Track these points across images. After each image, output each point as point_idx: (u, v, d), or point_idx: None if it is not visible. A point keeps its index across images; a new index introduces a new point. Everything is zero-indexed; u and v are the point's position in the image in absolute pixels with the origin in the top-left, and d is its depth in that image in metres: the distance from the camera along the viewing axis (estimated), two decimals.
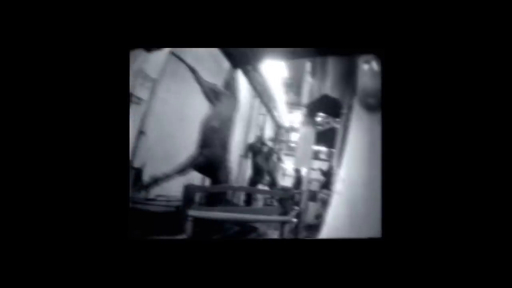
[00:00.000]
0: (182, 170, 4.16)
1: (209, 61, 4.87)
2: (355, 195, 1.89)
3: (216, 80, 4.69)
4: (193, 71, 4.45)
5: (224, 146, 4.49)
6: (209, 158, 4.29)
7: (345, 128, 2.47)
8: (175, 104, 5.16)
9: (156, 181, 4.00)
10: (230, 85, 4.65)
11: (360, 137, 2.14)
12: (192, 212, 3.13)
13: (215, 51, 4.48)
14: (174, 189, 4.32)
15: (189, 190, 3.52)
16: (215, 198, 4.42)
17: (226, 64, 4.50)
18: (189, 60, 4.62)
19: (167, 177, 4.05)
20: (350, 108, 2.57)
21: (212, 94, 4.46)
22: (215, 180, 4.48)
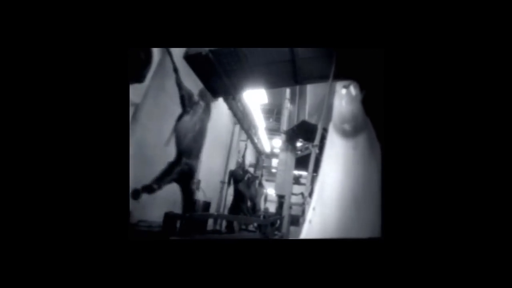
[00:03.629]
0: (165, 176, 4.09)
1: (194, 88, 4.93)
2: (325, 224, 1.87)
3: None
4: (175, 71, 4.31)
5: (198, 156, 4.49)
6: (188, 168, 4.28)
7: (317, 156, 2.46)
8: (155, 129, 5.18)
9: (149, 188, 3.88)
10: (204, 95, 4.63)
11: (332, 165, 2.12)
12: (174, 239, 3.13)
13: None
14: (155, 214, 4.31)
15: (169, 218, 3.51)
16: (196, 225, 4.43)
17: None
18: (172, 85, 4.62)
19: (158, 185, 3.95)
20: (324, 134, 2.56)
21: (188, 100, 4.41)
22: (187, 190, 4.43)
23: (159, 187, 3.92)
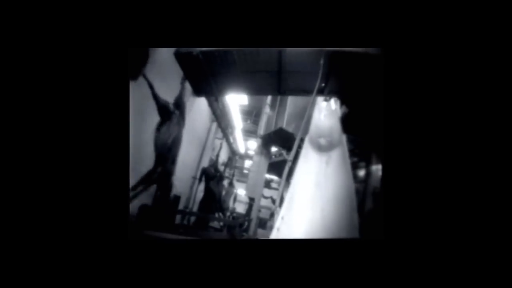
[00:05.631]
0: (141, 185, 4.36)
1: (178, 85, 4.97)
2: (292, 234, 1.96)
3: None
4: (151, 87, 4.56)
5: (174, 162, 4.81)
6: (163, 174, 4.59)
7: (291, 167, 2.57)
8: (143, 128, 5.20)
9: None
10: (179, 106, 4.91)
11: (304, 178, 2.22)
12: (148, 233, 3.20)
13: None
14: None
15: (143, 211, 3.58)
16: (164, 219, 4.52)
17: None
18: (157, 79, 4.70)
19: (132, 190, 4.19)
20: (299, 146, 2.68)
21: (164, 111, 4.68)
22: (164, 192, 4.78)
23: (135, 196, 4.18)
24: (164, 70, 5.01)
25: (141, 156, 5.23)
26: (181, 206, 7.66)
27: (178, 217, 6.96)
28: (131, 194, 4.10)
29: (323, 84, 2.91)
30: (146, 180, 4.38)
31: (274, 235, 2.05)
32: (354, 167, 2.42)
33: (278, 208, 2.30)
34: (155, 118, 4.78)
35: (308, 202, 2.07)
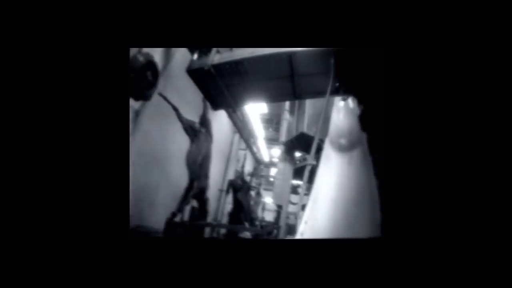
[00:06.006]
0: (184, 202, 4.65)
1: (196, 100, 5.07)
2: (316, 236, 1.93)
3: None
4: (175, 109, 4.71)
5: (207, 176, 5.10)
6: (200, 189, 4.86)
7: (312, 170, 2.52)
8: (157, 134, 5.32)
9: (174, 214, 4.36)
10: (204, 123, 5.14)
11: (326, 180, 2.20)
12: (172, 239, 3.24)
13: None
14: (154, 219, 4.46)
15: (171, 226, 3.63)
16: (194, 232, 4.60)
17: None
18: (174, 97, 4.82)
19: (179, 210, 4.48)
20: (320, 145, 2.63)
21: (191, 131, 4.88)
22: (201, 204, 5.10)
23: (180, 211, 4.49)
24: (180, 88, 5.14)
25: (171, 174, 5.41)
26: (209, 219, 7.72)
27: (207, 230, 7.02)
28: (176, 210, 4.36)
29: (337, 84, 2.87)
30: (186, 197, 4.63)
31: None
32: (375, 164, 2.35)
33: (301, 212, 2.26)
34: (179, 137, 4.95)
35: (331, 205, 2.03)
